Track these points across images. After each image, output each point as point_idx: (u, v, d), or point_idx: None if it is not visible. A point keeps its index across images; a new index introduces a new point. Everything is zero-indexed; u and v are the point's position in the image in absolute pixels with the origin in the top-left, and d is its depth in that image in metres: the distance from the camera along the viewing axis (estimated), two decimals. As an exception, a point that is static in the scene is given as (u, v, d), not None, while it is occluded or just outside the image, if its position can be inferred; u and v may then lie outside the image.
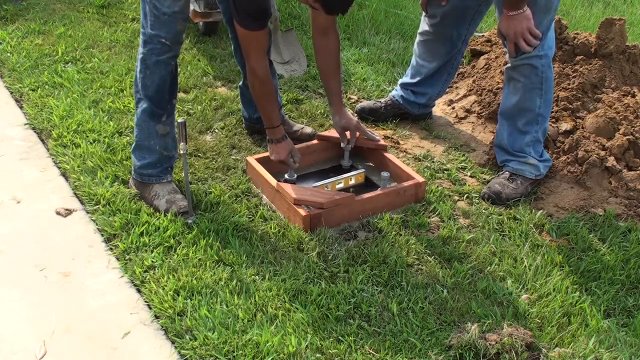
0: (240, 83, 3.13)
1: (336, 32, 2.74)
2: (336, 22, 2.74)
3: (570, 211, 2.76)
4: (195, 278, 2.25)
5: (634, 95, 3.15)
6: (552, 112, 3.12)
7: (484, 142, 3.25)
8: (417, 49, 3.32)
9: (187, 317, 2.10)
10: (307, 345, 2.01)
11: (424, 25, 3.22)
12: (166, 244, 2.42)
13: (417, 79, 3.33)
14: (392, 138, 3.27)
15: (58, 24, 4.31)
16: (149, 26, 2.47)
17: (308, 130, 3.16)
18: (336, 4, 2.27)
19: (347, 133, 2.88)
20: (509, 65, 2.84)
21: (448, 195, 2.82)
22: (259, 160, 2.82)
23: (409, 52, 4.14)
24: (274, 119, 2.70)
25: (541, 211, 2.75)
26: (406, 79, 3.40)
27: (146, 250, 2.39)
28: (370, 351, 2.02)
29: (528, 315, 2.20)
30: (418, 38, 3.29)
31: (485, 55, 3.75)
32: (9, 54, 3.89)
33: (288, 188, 2.57)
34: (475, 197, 2.84)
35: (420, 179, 2.75)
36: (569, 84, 3.20)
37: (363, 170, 2.90)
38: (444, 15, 3.07)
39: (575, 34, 3.39)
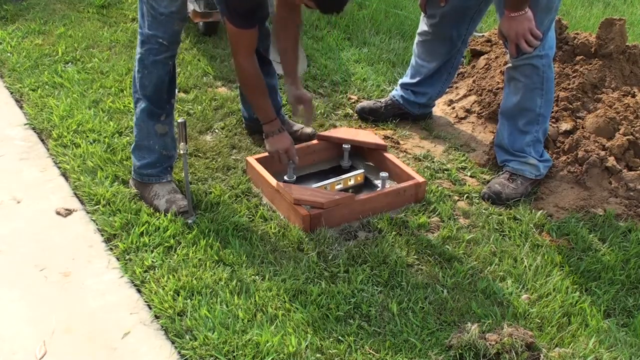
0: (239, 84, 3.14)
1: (300, 14, 2.73)
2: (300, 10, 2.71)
3: (570, 211, 2.76)
4: (195, 278, 2.25)
5: (634, 95, 3.15)
6: (552, 112, 3.11)
7: (484, 142, 3.25)
8: (416, 49, 3.32)
9: (187, 317, 2.10)
10: (307, 345, 2.01)
11: (423, 26, 3.22)
12: (166, 244, 2.42)
13: (417, 79, 3.33)
14: (392, 138, 3.26)
15: (58, 24, 4.31)
16: (147, 26, 2.47)
17: (308, 130, 3.16)
18: (331, 3, 2.26)
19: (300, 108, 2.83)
20: (509, 65, 2.84)
21: (448, 195, 2.82)
22: (259, 160, 2.82)
23: (409, 52, 4.13)
24: (269, 112, 2.71)
25: (541, 211, 2.74)
26: (406, 79, 3.40)
27: (146, 250, 2.39)
28: (370, 351, 2.02)
29: (528, 315, 2.20)
30: (417, 38, 3.29)
31: (485, 55, 3.75)
32: (9, 54, 3.89)
33: (288, 188, 2.57)
34: (475, 197, 2.84)
35: (420, 179, 2.75)
36: (569, 84, 3.20)
37: (362, 170, 2.90)
38: (443, 15, 3.07)
39: (575, 34, 3.39)
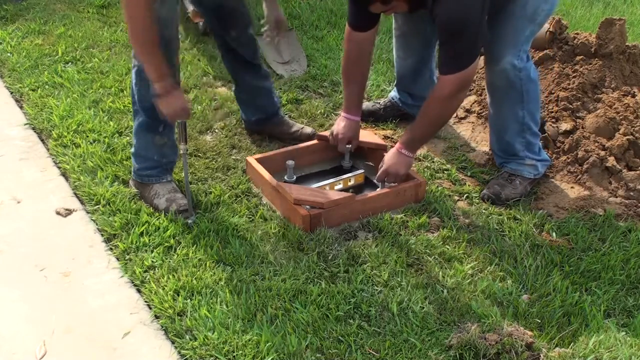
0: (233, 89, 3.15)
1: None
2: None
3: (570, 211, 2.76)
4: (195, 278, 2.25)
5: (634, 95, 3.15)
6: (552, 112, 3.11)
7: (484, 142, 3.25)
8: (394, 45, 3.28)
9: (187, 317, 2.10)
10: (307, 345, 2.01)
11: (397, 18, 3.16)
12: (166, 244, 2.42)
13: (401, 77, 3.30)
14: (392, 138, 3.26)
15: (58, 24, 4.31)
16: None
17: (308, 130, 3.16)
18: None
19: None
20: (487, 79, 2.80)
21: (448, 195, 2.82)
22: (259, 160, 2.82)
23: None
24: (161, 69, 2.32)
25: (541, 211, 2.74)
26: (396, 80, 3.39)
27: (146, 250, 2.39)
28: (370, 351, 2.02)
29: (528, 315, 2.19)
30: (394, 33, 3.23)
31: (485, 55, 3.75)
32: (9, 54, 3.89)
33: (288, 188, 2.57)
34: (475, 197, 2.84)
35: (420, 179, 2.75)
36: (569, 84, 3.19)
37: (362, 170, 2.90)
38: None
39: (575, 34, 3.38)
